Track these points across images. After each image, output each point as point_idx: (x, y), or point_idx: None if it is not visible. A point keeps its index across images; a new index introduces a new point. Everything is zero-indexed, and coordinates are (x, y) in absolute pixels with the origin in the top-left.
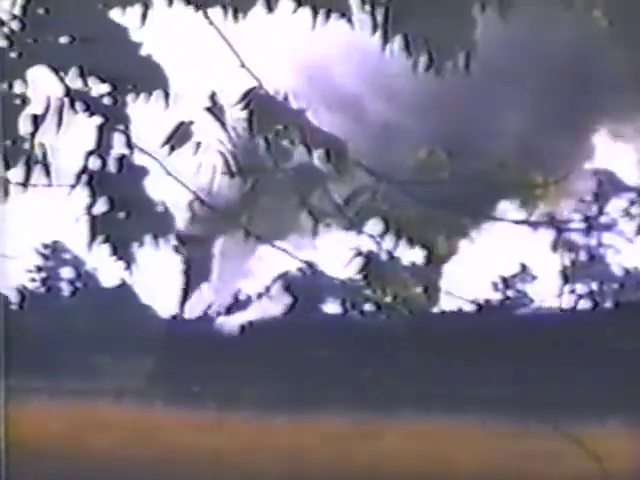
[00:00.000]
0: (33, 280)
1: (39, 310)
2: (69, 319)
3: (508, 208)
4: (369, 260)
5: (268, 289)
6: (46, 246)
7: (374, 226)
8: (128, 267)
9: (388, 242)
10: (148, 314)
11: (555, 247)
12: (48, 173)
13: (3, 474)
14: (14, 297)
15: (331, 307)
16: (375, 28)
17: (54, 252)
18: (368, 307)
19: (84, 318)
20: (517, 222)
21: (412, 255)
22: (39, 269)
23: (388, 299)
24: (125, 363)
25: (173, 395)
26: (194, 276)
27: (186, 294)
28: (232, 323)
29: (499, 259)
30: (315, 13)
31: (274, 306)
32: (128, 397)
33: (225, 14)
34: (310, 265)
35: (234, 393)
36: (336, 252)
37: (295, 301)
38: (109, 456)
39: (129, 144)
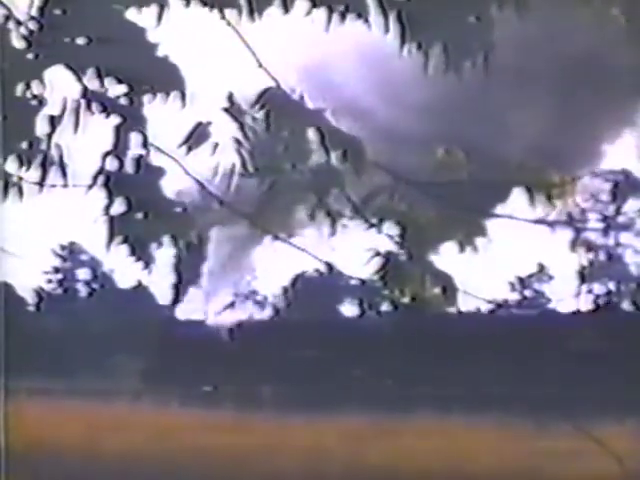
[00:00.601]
0: (50, 281)
1: (56, 311)
2: (86, 320)
3: (526, 208)
4: (387, 260)
5: (286, 290)
6: (63, 247)
7: (392, 226)
8: (146, 268)
9: (406, 242)
10: (165, 315)
11: (573, 247)
12: (64, 174)
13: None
14: (31, 298)
15: (348, 308)
16: (391, 29)
17: (71, 253)
18: (385, 307)
19: (101, 319)
20: (535, 222)
21: (429, 255)
22: (56, 270)
23: (406, 299)
24: (142, 364)
25: (190, 395)
26: (211, 277)
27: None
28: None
29: (516, 259)
30: (330, 14)
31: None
32: (145, 398)
33: (241, 14)
34: (328, 265)
35: (251, 393)
36: (354, 252)
37: (313, 301)
38: (126, 456)
39: (146, 145)
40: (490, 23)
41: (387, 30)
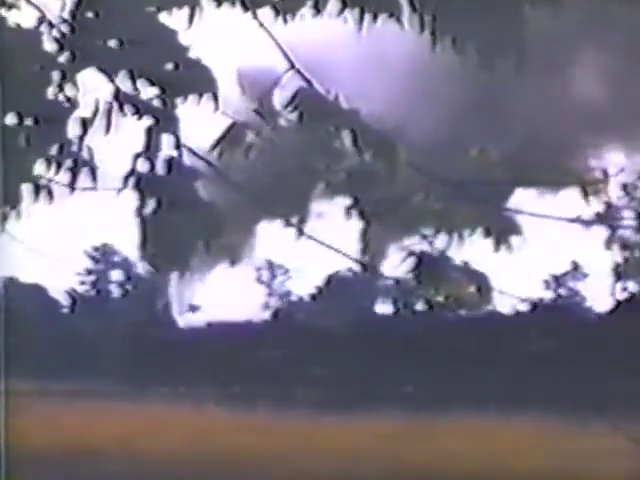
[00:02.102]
0: (83, 283)
1: (89, 313)
2: (119, 321)
3: (560, 206)
4: (421, 260)
5: (320, 289)
6: (96, 249)
7: (426, 226)
8: (179, 269)
9: (440, 242)
10: (199, 316)
11: (609, 245)
12: (96, 176)
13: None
14: (64, 300)
15: (383, 307)
16: (424, 27)
17: (104, 255)
18: (420, 307)
19: (134, 320)
20: (571, 220)
21: (464, 254)
22: (89, 272)
23: (440, 298)
24: (176, 366)
25: (225, 397)
26: (243, 279)
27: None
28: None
29: (550, 257)
30: (362, 14)
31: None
32: (180, 400)
33: (274, 15)
34: (363, 265)
35: (286, 394)
36: (389, 252)
37: (346, 301)
38: (162, 458)
39: (178, 146)
40: (523, 21)
41: (421, 29)
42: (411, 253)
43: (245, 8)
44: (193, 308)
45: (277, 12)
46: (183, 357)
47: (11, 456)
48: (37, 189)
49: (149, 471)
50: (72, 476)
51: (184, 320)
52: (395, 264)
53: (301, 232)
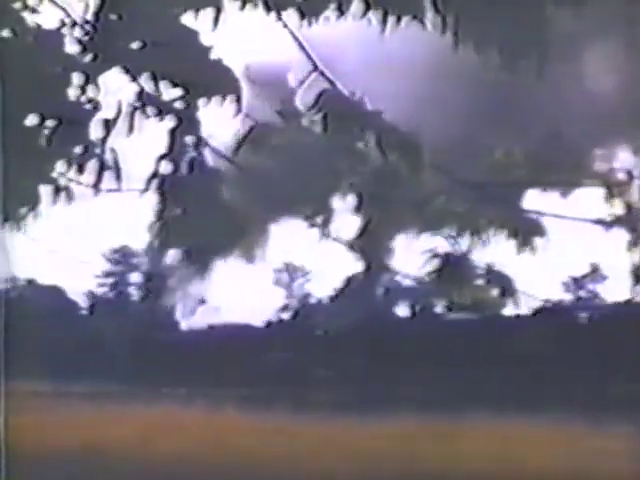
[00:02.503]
0: (102, 285)
1: (108, 315)
2: (138, 324)
3: (583, 208)
4: (445, 261)
5: (339, 291)
6: (115, 251)
7: (450, 227)
8: (200, 272)
9: (464, 243)
10: (219, 318)
11: (630, 247)
12: (118, 178)
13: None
14: (83, 302)
15: (402, 309)
16: (447, 29)
17: (123, 257)
18: (439, 309)
19: (150, 323)
20: (593, 221)
21: (487, 256)
22: (107, 274)
23: (464, 300)
24: (194, 367)
25: (241, 399)
26: (262, 280)
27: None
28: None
29: (572, 259)
30: (385, 15)
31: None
32: (196, 402)
33: (299, 17)
34: (386, 267)
35: (302, 396)
36: (412, 254)
37: (365, 303)
38: (179, 459)
39: (201, 148)
40: (545, 22)
41: (444, 31)
42: (435, 255)
43: (268, 9)
44: (212, 309)
45: (301, 14)
46: (199, 359)
47: (28, 456)
48: (57, 190)
49: (164, 473)
50: (88, 477)
51: (201, 321)
52: (419, 265)
53: (325, 233)
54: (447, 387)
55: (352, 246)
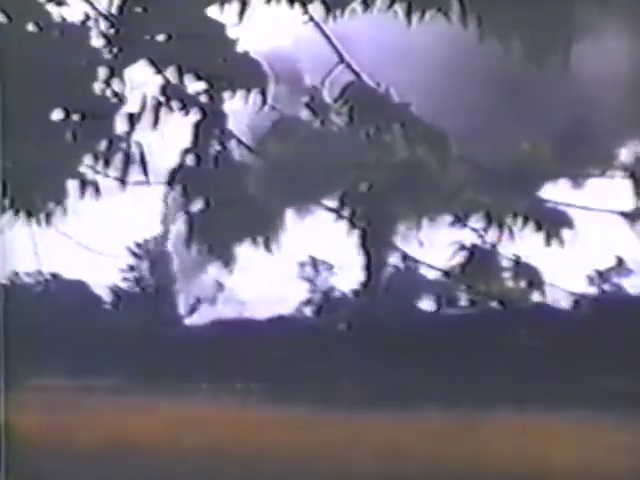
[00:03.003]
0: (126, 279)
1: (131, 309)
2: (161, 318)
3: (611, 200)
4: (473, 254)
5: (363, 285)
6: (139, 245)
7: (478, 220)
8: (227, 266)
9: (491, 235)
10: (244, 312)
11: None
12: (144, 171)
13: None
14: (107, 296)
15: (427, 303)
16: (471, 22)
17: (147, 251)
18: (468, 301)
19: (175, 317)
20: (621, 214)
21: (515, 248)
22: (131, 268)
23: (491, 293)
24: (220, 362)
25: (268, 393)
26: (287, 274)
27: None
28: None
29: (598, 252)
30: (410, 8)
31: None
32: (224, 395)
33: (324, 10)
34: (414, 259)
35: (328, 391)
36: (440, 245)
37: (390, 297)
38: (205, 454)
39: (226, 141)
40: (570, 14)
41: (468, 23)
42: (462, 247)
43: (293, 2)
44: (237, 303)
45: (327, 6)
46: (226, 353)
47: (55, 451)
48: (83, 185)
49: (192, 467)
50: (115, 472)
51: (226, 315)
52: (445, 258)
53: (353, 225)
54: (475, 383)
55: (377, 239)
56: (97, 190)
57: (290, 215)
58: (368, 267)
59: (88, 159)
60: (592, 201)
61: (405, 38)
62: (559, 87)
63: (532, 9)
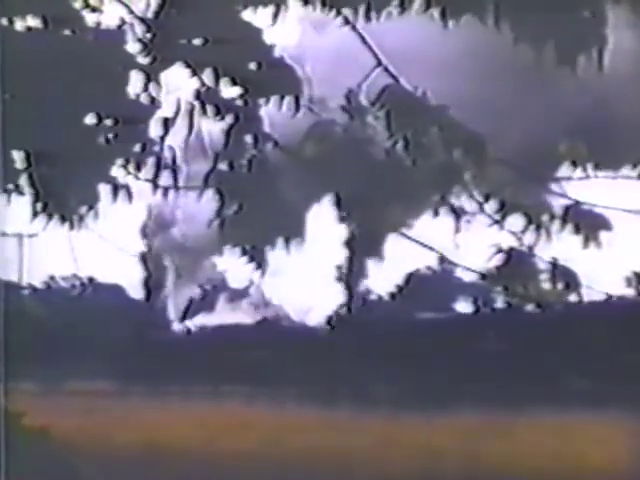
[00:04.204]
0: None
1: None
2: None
3: None
4: (510, 256)
5: (400, 288)
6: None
7: (515, 222)
8: (259, 268)
9: (529, 238)
10: (278, 316)
11: None
12: (177, 176)
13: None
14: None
15: (463, 305)
16: (506, 25)
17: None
18: (500, 304)
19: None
20: None
21: (552, 250)
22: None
23: (528, 295)
24: (256, 364)
25: (305, 396)
26: (323, 276)
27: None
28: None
29: (637, 253)
30: (445, 11)
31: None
32: (260, 398)
33: (359, 13)
34: (450, 262)
35: (365, 393)
36: (477, 249)
37: (426, 300)
38: (242, 457)
39: (261, 145)
40: (604, 16)
41: (502, 27)
42: (499, 249)
43: (331, 7)
44: (272, 307)
45: (364, 10)
46: (260, 357)
47: (92, 456)
48: (115, 189)
49: (229, 471)
50: (153, 476)
51: (260, 319)
52: (483, 260)
53: (390, 228)
54: (511, 383)
55: (421, 241)
56: (129, 194)
57: (327, 218)
58: (404, 270)
59: (121, 163)
60: (629, 203)
61: (442, 41)
62: (594, 88)
63: (565, 10)
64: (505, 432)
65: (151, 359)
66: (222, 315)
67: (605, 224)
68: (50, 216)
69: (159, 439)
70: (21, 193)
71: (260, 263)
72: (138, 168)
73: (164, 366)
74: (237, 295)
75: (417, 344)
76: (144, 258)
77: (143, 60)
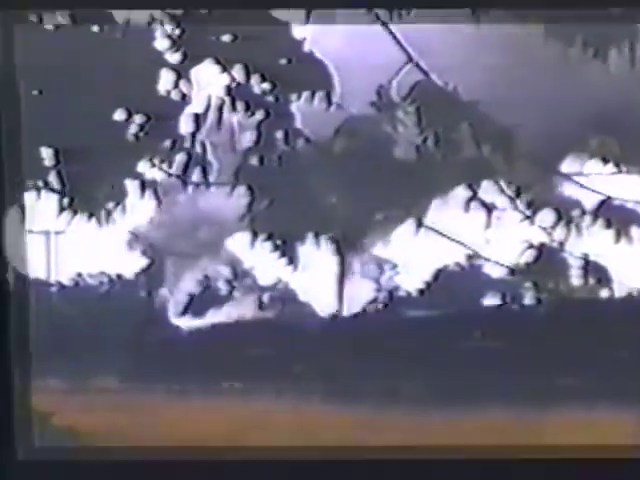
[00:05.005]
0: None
1: (193, 312)
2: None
3: None
4: (540, 252)
5: (429, 285)
6: (202, 246)
7: (545, 217)
8: (290, 264)
9: (559, 233)
10: (306, 312)
11: None
12: (207, 172)
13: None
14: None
15: (494, 300)
16: (537, 19)
17: (209, 252)
18: (532, 300)
19: (237, 318)
20: None
21: (583, 246)
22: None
23: (558, 291)
24: (283, 361)
25: (330, 393)
26: (350, 272)
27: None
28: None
29: None
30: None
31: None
32: (286, 395)
33: (391, 9)
34: (485, 258)
35: (391, 390)
36: (508, 244)
37: (455, 295)
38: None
39: (292, 141)
40: (636, 11)
41: (534, 21)
42: (530, 245)
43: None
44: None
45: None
46: (285, 353)
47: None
48: (143, 185)
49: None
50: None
51: (288, 315)
52: (513, 256)
53: (420, 224)
54: (540, 380)
55: (451, 237)
56: (158, 191)
57: (358, 214)
58: (432, 266)
59: (150, 159)
60: None
61: (473, 37)
62: (625, 82)
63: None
64: (534, 429)
65: (175, 356)
66: (247, 310)
67: (637, 219)
68: (75, 212)
69: (186, 437)
70: (50, 190)
71: (292, 258)
72: (168, 164)
73: (186, 364)
74: (264, 291)
75: (446, 339)
76: (171, 255)
77: (172, 57)
